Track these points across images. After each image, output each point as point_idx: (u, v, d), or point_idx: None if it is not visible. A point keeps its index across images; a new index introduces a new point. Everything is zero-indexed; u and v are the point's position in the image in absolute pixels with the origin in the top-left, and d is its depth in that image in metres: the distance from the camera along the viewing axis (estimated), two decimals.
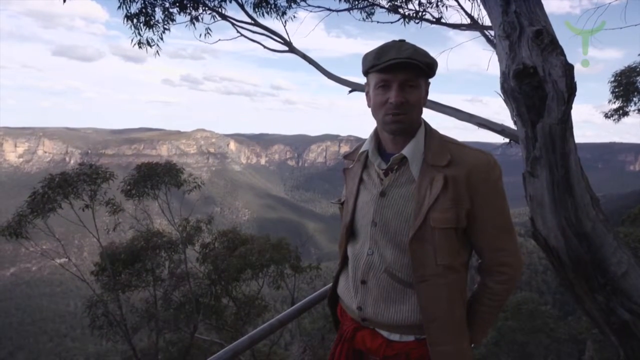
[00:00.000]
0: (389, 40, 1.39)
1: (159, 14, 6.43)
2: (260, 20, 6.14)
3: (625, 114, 9.74)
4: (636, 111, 9.48)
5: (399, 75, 1.30)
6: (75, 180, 9.40)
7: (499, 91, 2.57)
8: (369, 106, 1.42)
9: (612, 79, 9.72)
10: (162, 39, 6.56)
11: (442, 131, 1.45)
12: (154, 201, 10.65)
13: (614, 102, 9.78)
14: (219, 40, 6.65)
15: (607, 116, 10.17)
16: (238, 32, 6.13)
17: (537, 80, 2.30)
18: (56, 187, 9.16)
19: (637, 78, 9.28)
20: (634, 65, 9.36)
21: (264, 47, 5.93)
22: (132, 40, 6.39)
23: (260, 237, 11.16)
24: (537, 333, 17.57)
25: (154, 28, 6.44)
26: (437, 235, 1.30)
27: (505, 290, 1.40)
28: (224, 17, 6.43)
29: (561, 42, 2.47)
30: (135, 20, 6.30)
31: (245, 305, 10.54)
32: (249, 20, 6.09)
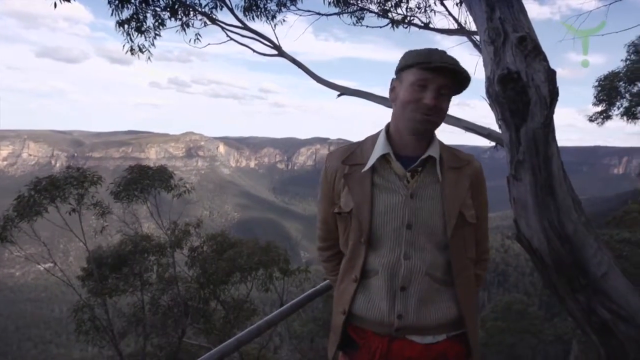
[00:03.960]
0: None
1: (150, 20, 6.44)
2: (250, 24, 6.18)
3: (609, 117, 9.97)
4: (619, 115, 9.70)
5: (440, 79, 1.34)
6: (62, 183, 9.29)
7: (485, 95, 2.62)
8: (392, 102, 1.45)
9: (596, 83, 9.92)
10: (153, 44, 6.57)
11: None
12: (143, 205, 10.56)
13: (598, 106, 10.00)
14: (209, 44, 6.69)
15: (591, 120, 10.42)
16: (227, 36, 6.16)
17: (521, 86, 2.35)
18: (42, 191, 9.04)
19: (620, 83, 9.48)
20: (616, 70, 9.59)
21: (254, 51, 5.97)
22: (123, 47, 6.40)
23: (249, 240, 11.13)
24: (524, 334, 17.76)
25: (145, 34, 6.45)
26: (467, 231, 1.42)
27: (484, 275, 1.59)
28: (214, 21, 6.44)
29: (545, 48, 2.53)
30: (126, 26, 6.30)
31: (234, 308, 10.49)
32: (238, 24, 6.11)
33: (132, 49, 6.41)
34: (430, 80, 1.34)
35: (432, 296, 1.38)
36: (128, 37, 6.34)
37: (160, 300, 10.03)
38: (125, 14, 6.22)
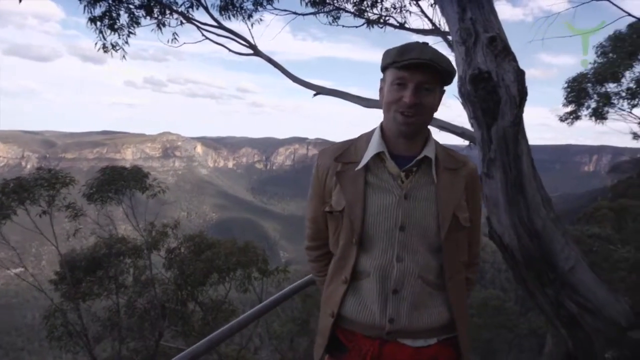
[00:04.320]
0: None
1: (124, 18, 6.32)
2: (227, 24, 6.15)
3: (578, 118, 10.27)
4: (587, 115, 10.00)
5: (417, 75, 1.29)
6: (32, 185, 9.01)
7: (457, 95, 2.67)
8: (381, 103, 1.40)
9: (566, 85, 10.21)
10: (127, 42, 6.45)
11: None
12: (118, 206, 10.35)
13: (568, 107, 10.30)
14: (184, 43, 6.62)
15: (561, 120, 10.73)
16: (203, 35, 6.11)
17: (492, 85, 2.39)
18: (11, 193, 8.76)
19: (588, 84, 9.79)
20: (585, 72, 9.90)
21: (229, 50, 5.93)
22: (96, 44, 6.26)
23: (228, 241, 11.02)
24: (500, 329, 18.08)
25: (119, 32, 6.32)
26: (460, 234, 1.40)
27: (475, 279, 1.58)
28: (190, 20, 6.37)
29: (517, 49, 2.58)
30: (99, 24, 6.16)
31: (212, 309, 10.37)
32: (214, 23, 6.06)
33: (105, 47, 6.28)
34: (408, 78, 1.30)
35: (424, 300, 1.36)
36: (101, 35, 6.22)
37: (137, 303, 9.84)
38: (98, 11, 6.10)
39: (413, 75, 1.29)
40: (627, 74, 9.51)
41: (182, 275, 10.02)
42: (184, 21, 6.36)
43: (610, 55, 9.65)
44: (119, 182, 9.86)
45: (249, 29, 6.21)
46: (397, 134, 1.36)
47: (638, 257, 12.26)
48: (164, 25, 6.40)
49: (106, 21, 6.12)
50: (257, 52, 5.54)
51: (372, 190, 1.36)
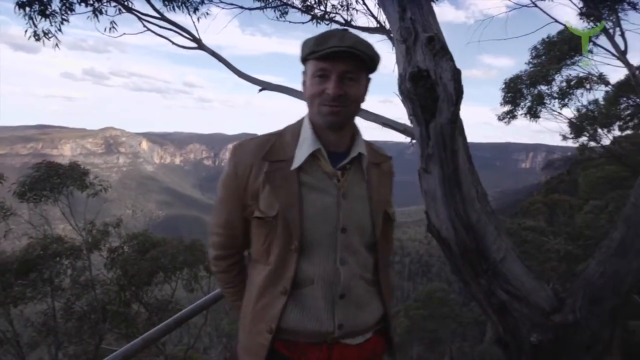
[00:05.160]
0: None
1: (56, 3, 5.93)
2: (171, 15, 5.94)
3: (514, 117, 10.92)
4: (523, 114, 10.65)
5: (339, 65, 1.19)
6: None
7: (398, 92, 2.73)
8: (305, 96, 1.29)
9: (504, 85, 10.81)
10: (60, 30, 6.04)
11: None
12: (55, 205, 9.77)
13: (505, 106, 10.92)
14: (124, 34, 6.31)
15: (500, 119, 11.35)
16: (145, 26, 5.86)
17: (430, 83, 2.48)
18: None
19: (523, 85, 10.43)
20: (520, 73, 10.54)
21: (172, 43, 5.74)
22: (26, 32, 5.82)
23: (174, 239, 10.74)
24: (445, 319, 18.88)
25: (50, 18, 5.91)
26: (389, 229, 1.40)
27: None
28: (130, 10, 6.09)
29: (458, 50, 2.69)
30: (28, 9, 5.74)
31: (158, 310, 10.07)
32: (156, 14, 5.84)
33: (36, 35, 5.87)
34: (329, 68, 1.20)
35: (366, 299, 1.33)
36: (31, 22, 5.80)
37: (75, 306, 9.35)
38: None
39: (335, 65, 1.20)
40: (557, 76, 10.25)
41: (125, 276, 9.65)
42: (122, 10, 6.07)
43: (543, 58, 10.35)
44: (54, 179, 9.30)
45: (193, 22, 6.03)
46: (326, 127, 1.27)
47: (567, 248, 13.21)
48: (100, 12, 6.06)
49: (36, 6, 5.71)
50: (201, 46, 5.40)
51: (308, 192, 1.25)
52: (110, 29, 6.23)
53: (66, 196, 9.71)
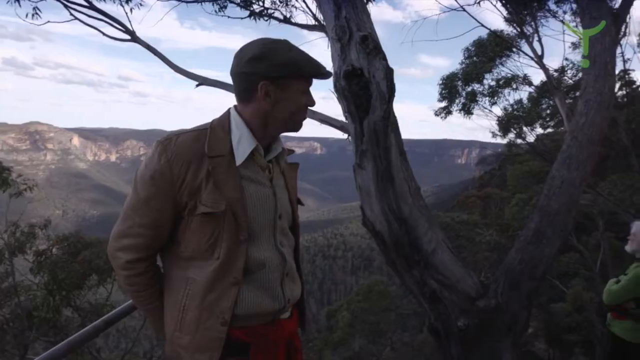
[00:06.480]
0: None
1: None
2: (102, 5, 5.59)
3: (450, 113, 11.53)
4: (458, 111, 11.26)
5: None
6: None
7: (333, 89, 2.78)
8: (266, 106, 1.31)
9: (441, 82, 11.36)
10: None
11: None
12: None
13: (441, 102, 11.51)
14: (49, 22, 5.88)
15: (436, 114, 11.93)
16: (72, 14, 5.50)
17: (364, 81, 2.54)
18: None
19: (458, 82, 11.02)
20: (456, 71, 11.15)
21: (103, 34, 5.43)
22: None
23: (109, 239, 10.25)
24: (386, 311, 19.44)
25: None
26: (297, 212, 1.57)
27: None
28: None
29: (394, 50, 2.77)
30: None
31: (92, 314, 9.56)
32: (84, 2, 5.50)
33: None
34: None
35: (296, 274, 1.50)
36: None
37: None
38: None
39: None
40: (488, 75, 10.95)
41: (54, 280, 9.07)
42: None
43: (474, 58, 10.96)
44: None
45: (126, 13, 5.73)
46: (286, 131, 1.43)
47: (498, 240, 14.07)
48: None
49: None
50: (135, 39, 5.16)
51: (248, 184, 1.33)
52: (33, 15, 5.78)
53: None
